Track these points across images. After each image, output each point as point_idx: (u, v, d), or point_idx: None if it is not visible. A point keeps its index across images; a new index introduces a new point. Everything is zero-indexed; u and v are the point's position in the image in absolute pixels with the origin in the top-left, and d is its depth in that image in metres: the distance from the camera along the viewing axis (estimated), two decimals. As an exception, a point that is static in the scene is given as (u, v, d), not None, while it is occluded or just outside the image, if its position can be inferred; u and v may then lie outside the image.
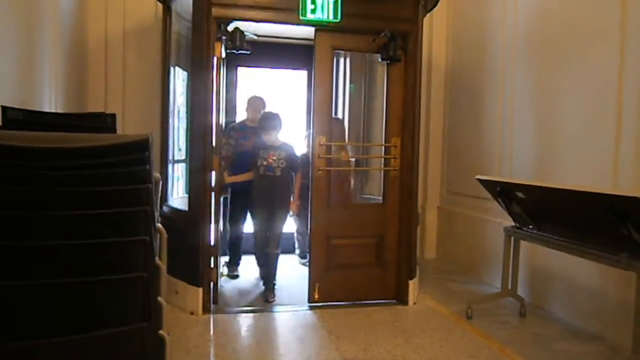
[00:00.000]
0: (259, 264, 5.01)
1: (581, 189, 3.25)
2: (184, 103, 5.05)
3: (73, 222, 1.82)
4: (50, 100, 4.18)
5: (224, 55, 4.26)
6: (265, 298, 4.49)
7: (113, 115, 3.37)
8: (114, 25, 5.44)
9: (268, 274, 4.66)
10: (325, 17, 4.16)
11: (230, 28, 4.14)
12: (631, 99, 3.60)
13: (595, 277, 3.85)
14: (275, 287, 4.64)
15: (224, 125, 4.69)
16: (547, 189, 3.64)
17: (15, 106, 2.95)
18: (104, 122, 3.34)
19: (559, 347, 3.64)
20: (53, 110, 4.16)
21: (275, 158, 4.59)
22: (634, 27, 3.59)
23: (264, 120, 4.71)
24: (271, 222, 4.63)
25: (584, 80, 4.05)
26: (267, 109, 5.20)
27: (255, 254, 5.01)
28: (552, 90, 4.41)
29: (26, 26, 3.74)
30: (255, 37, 4.38)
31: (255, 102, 5.26)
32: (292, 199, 4.80)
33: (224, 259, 5.17)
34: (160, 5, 4.90)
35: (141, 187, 1.96)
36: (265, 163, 4.58)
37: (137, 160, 1.97)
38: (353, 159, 5.53)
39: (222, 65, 4.29)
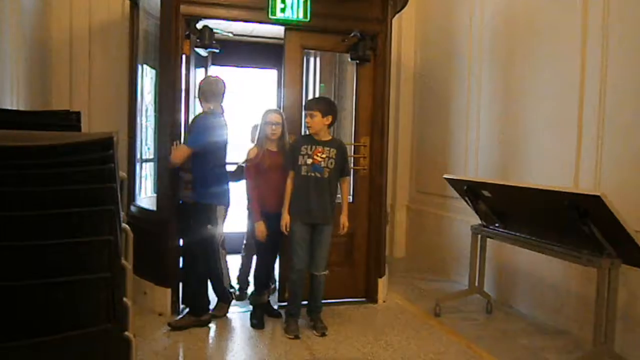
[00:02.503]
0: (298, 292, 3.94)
1: (544, 188, 3.33)
2: (152, 101, 4.98)
3: (35, 222, 1.78)
4: (12, 98, 4.07)
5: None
6: (321, 332, 3.78)
7: (78, 113, 3.29)
8: (79, 22, 5.31)
9: (317, 301, 3.89)
10: (294, 16, 4.16)
11: (199, 26, 4.10)
12: (592, 99, 3.71)
13: (558, 273, 3.95)
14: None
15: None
16: (511, 187, 3.72)
17: (-25, 104, 2.87)
18: (69, 120, 3.26)
19: (524, 342, 3.72)
20: (15, 108, 4.05)
21: (324, 156, 3.76)
22: (595, 29, 3.69)
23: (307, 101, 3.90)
24: (319, 238, 3.79)
25: (547, 80, 4.15)
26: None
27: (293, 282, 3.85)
28: (517, 89, 4.51)
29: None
30: (232, 35, 4.31)
31: (216, 86, 3.93)
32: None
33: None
34: (127, 2, 4.82)
35: (105, 187, 1.92)
36: (309, 161, 3.74)
37: (101, 159, 1.94)
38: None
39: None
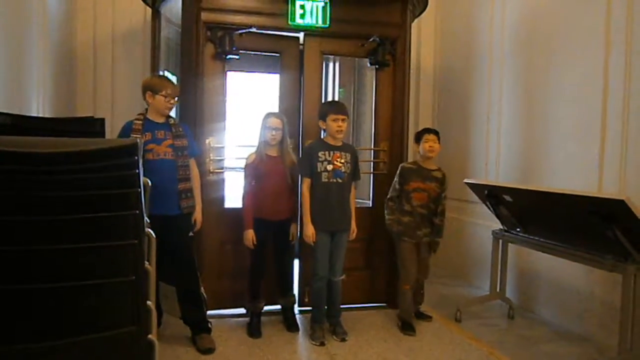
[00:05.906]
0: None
1: (567, 192, 3.29)
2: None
3: (62, 226, 1.82)
4: (38, 105, 4.16)
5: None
6: (341, 337, 3.77)
7: (102, 120, 3.36)
8: (102, 29, 5.43)
9: (336, 306, 3.88)
10: (314, 22, 4.18)
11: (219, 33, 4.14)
12: (616, 102, 3.66)
13: (581, 279, 3.89)
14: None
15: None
16: (534, 192, 3.68)
17: (3, 110, 2.95)
18: (93, 126, 3.32)
19: (546, 349, 3.67)
20: (41, 115, 4.14)
21: (343, 161, 3.73)
22: (619, 30, 3.65)
23: (331, 106, 3.87)
24: (338, 243, 3.79)
25: (570, 83, 4.10)
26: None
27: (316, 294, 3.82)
28: (539, 93, 4.47)
29: (14, 30, 3.73)
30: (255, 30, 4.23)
31: (166, 83, 3.58)
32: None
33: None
34: (149, 10, 4.90)
35: (130, 192, 1.96)
36: (330, 167, 3.69)
37: (126, 165, 1.97)
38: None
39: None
